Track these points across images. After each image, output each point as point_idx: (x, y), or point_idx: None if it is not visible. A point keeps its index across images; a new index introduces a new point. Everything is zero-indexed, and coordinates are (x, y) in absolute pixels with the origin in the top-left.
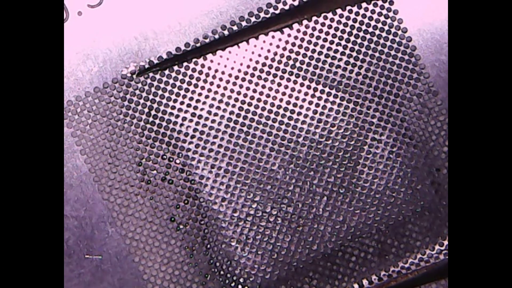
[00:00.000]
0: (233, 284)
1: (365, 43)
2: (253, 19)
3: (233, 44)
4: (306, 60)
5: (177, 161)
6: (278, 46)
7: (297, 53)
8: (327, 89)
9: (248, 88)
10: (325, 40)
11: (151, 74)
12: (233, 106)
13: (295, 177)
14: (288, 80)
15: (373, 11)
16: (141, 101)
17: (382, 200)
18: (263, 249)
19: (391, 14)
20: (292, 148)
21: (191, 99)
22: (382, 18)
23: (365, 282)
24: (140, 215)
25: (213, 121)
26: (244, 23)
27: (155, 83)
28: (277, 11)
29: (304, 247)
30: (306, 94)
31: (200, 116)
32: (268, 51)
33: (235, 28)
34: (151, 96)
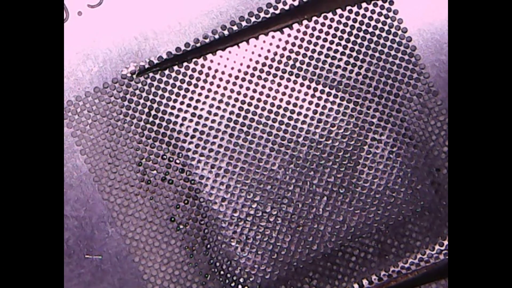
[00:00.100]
0: (233, 284)
1: (365, 43)
2: (253, 19)
3: (233, 44)
4: (306, 60)
5: (177, 161)
6: (278, 46)
7: (297, 53)
8: (327, 89)
9: (248, 88)
10: (325, 40)
11: (151, 74)
12: (233, 106)
13: (295, 177)
14: (288, 80)
15: (373, 11)
16: (141, 101)
17: (382, 200)
18: (263, 249)
19: (391, 14)
20: (292, 148)
21: (191, 99)
22: (382, 18)
23: (365, 282)
24: (140, 215)
25: (213, 121)
26: (244, 23)
27: (155, 83)
28: (277, 11)
29: (304, 247)
30: (306, 94)
31: (200, 116)
32: (268, 51)
33: (235, 28)
34: (151, 96)
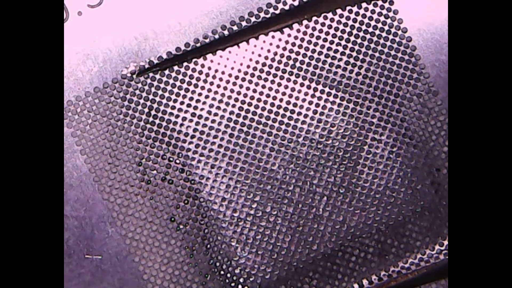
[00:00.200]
0: (233, 284)
1: (365, 43)
2: (253, 19)
3: (233, 44)
4: (306, 60)
5: (177, 161)
6: (278, 46)
7: (297, 53)
8: (327, 89)
9: (248, 88)
10: (325, 40)
11: (151, 74)
12: (233, 106)
13: (295, 177)
14: (288, 80)
15: (373, 11)
16: (141, 101)
17: (382, 200)
18: (263, 249)
19: (391, 14)
20: (292, 148)
21: (191, 99)
22: (382, 18)
23: (365, 282)
24: (140, 215)
25: (213, 121)
26: (244, 23)
27: (155, 83)
28: (277, 11)
29: (304, 247)
30: (306, 94)
31: (200, 116)
32: (268, 51)
33: (235, 28)
34: (151, 96)
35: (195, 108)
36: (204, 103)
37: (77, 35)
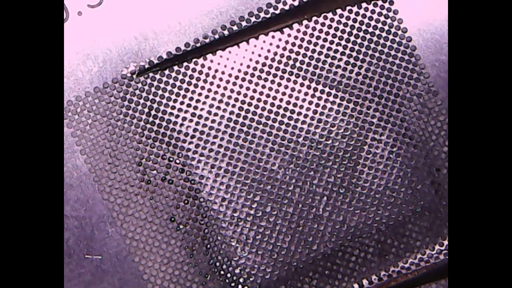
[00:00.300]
0: (233, 284)
1: (365, 43)
2: (253, 19)
3: (233, 44)
4: (306, 60)
5: (177, 161)
6: (278, 46)
7: (297, 53)
8: (327, 89)
9: (248, 88)
10: (325, 40)
11: (151, 74)
12: (233, 106)
13: (295, 177)
14: (288, 80)
15: (373, 11)
16: (141, 101)
17: (382, 200)
18: (263, 249)
19: (391, 14)
20: (292, 148)
21: (191, 99)
22: (382, 18)
23: (365, 282)
24: (140, 215)
25: (213, 121)
26: (244, 23)
27: (155, 83)
28: (277, 11)
29: (304, 247)
30: (306, 94)
31: (200, 116)
32: (268, 51)
33: (235, 28)
34: (151, 96)
35: (195, 108)
36: (204, 103)
37: (77, 35)
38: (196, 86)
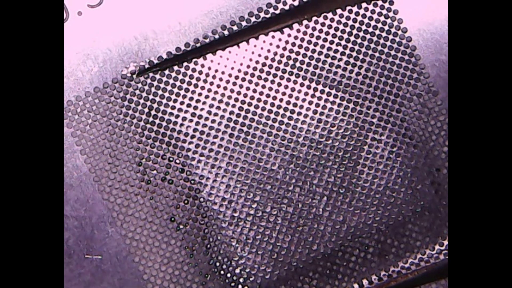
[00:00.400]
0: (233, 284)
1: (365, 43)
2: (253, 19)
3: (233, 44)
4: (306, 60)
5: (177, 161)
6: (278, 46)
7: (297, 53)
8: (327, 89)
9: (248, 88)
10: (325, 40)
11: (151, 74)
12: (233, 106)
13: (295, 177)
14: (288, 80)
15: (373, 11)
16: (141, 101)
17: (382, 200)
18: (263, 249)
19: (391, 14)
20: (292, 148)
21: (191, 99)
22: (382, 18)
23: (365, 282)
24: (140, 215)
25: (213, 121)
26: (244, 23)
27: (155, 83)
28: (277, 11)
29: (304, 247)
30: (306, 94)
31: (200, 116)
32: (268, 51)
33: (235, 28)
34: (151, 96)
35: (195, 108)
36: (204, 103)
37: (77, 35)
38: (196, 86)
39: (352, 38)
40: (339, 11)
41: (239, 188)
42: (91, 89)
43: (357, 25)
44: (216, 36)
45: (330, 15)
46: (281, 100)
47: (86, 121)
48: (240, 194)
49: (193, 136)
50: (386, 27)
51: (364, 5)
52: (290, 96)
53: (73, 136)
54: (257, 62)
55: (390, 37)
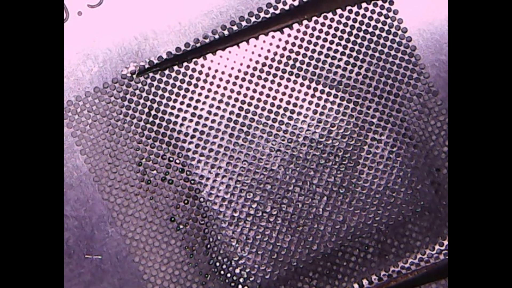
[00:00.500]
0: (233, 284)
1: (365, 43)
2: (253, 19)
3: (233, 44)
4: (306, 60)
5: (177, 161)
6: (278, 46)
7: (297, 53)
8: (327, 89)
9: (248, 88)
10: (325, 40)
11: (151, 74)
12: (233, 106)
13: (295, 177)
14: (288, 80)
15: (373, 11)
16: (141, 101)
17: (382, 200)
18: (263, 249)
19: (391, 14)
20: (292, 148)
21: (191, 99)
22: (382, 18)
23: (365, 282)
24: (140, 215)
25: (213, 121)
26: (244, 23)
27: (155, 83)
28: (277, 11)
29: (304, 247)
30: (306, 94)
31: (200, 116)
32: (268, 51)
33: (235, 28)
34: (151, 96)
35: (195, 108)
36: (204, 103)
37: (77, 35)
38: (196, 86)
39: (352, 38)
40: (339, 11)
41: (239, 188)
42: (91, 89)
43: (357, 25)
44: (216, 36)
45: (330, 15)
46: (281, 100)
47: (86, 121)
48: (240, 194)
49: (193, 136)
50: (386, 27)
51: (364, 5)
52: (290, 96)
53: (73, 136)
54: (257, 62)
55: (390, 37)
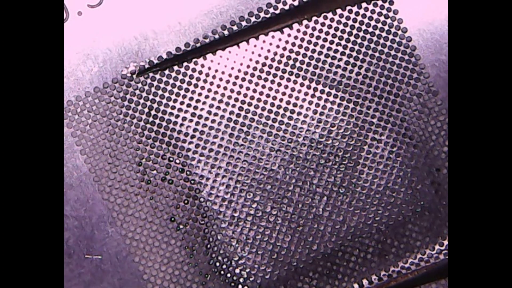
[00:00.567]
0: (233, 284)
1: (365, 43)
2: (253, 19)
3: (233, 44)
4: (306, 60)
5: (177, 161)
6: (278, 46)
7: (297, 53)
8: (327, 89)
9: (248, 88)
10: (325, 40)
11: (151, 74)
12: (233, 106)
13: (295, 177)
14: (288, 80)
15: (373, 11)
16: (141, 101)
17: (382, 200)
18: (263, 249)
19: (391, 14)
20: (292, 148)
21: (191, 99)
22: (382, 18)
23: (365, 282)
24: (140, 215)
25: (213, 121)
26: (244, 23)
27: (155, 83)
28: (277, 11)
29: (304, 247)
30: (306, 94)
31: (200, 116)
32: (268, 51)
33: (235, 28)
34: (151, 96)
35: (195, 108)
36: (204, 103)
37: (77, 35)
38: (196, 86)
39: (352, 38)
40: (339, 11)
41: (239, 188)
42: (91, 89)
43: (357, 25)
44: (216, 36)
45: (330, 15)
46: (281, 100)
47: (86, 121)
48: (240, 194)
49: (193, 136)
50: (386, 27)
51: (364, 5)
52: (290, 96)
53: (73, 136)
54: (257, 62)
55: (390, 37)
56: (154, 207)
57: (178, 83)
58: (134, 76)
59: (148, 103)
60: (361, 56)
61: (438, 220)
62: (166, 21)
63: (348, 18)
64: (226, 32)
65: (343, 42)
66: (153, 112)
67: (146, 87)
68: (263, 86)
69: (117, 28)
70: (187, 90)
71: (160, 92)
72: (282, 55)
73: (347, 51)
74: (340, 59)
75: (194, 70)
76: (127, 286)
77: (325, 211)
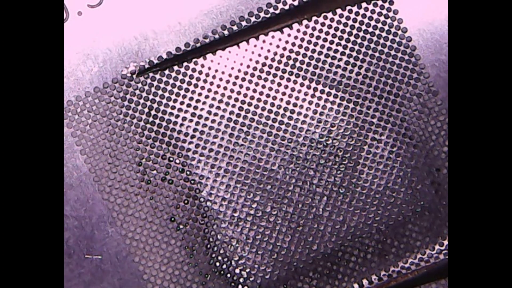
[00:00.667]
0: (233, 284)
1: (365, 43)
2: (253, 19)
3: (233, 44)
4: (306, 60)
5: (177, 161)
6: (278, 46)
7: (297, 53)
8: (327, 89)
9: (248, 88)
10: (325, 40)
11: (151, 74)
12: (233, 106)
13: (295, 177)
14: (288, 80)
15: (373, 11)
16: (141, 101)
17: (382, 200)
18: (263, 249)
19: (391, 14)
20: (292, 148)
21: (191, 99)
22: (382, 18)
23: (365, 282)
24: (140, 215)
25: (213, 121)
26: (244, 23)
27: (155, 83)
28: (277, 11)
29: (304, 247)
30: (306, 94)
31: (200, 116)
32: (268, 51)
33: (235, 28)
34: (151, 96)
35: (195, 108)
36: (204, 103)
37: (77, 35)
38: (196, 86)
39: (352, 38)
40: (339, 11)
41: (239, 188)
42: (91, 89)
43: (357, 25)
44: (216, 36)
45: (330, 15)
46: (281, 100)
47: (86, 121)
48: (240, 194)
49: (193, 136)
50: (386, 27)
51: (364, 5)
52: (290, 96)
53: (73, 136)
54: (257, 62)
55: (390, 37)
56: (154, 207)
57: (178, 83)
58: (134, 76)
59: (148, 103)
60: (361, 56)
61: (438, 220)
62: (166, 21)
63: (348, 18)
64: (226, 32)
65: (343, 42)
66: (153, 112)
67: (146, 87)
68: (263, 86)
69: (117, 28)
70: (187, 90)
71: (160, 92)
72: (282, 55)
73: (347, 51)
74: (340, 59)
75: (194, 70)
76: (127, 286)
77: (325, 211)
